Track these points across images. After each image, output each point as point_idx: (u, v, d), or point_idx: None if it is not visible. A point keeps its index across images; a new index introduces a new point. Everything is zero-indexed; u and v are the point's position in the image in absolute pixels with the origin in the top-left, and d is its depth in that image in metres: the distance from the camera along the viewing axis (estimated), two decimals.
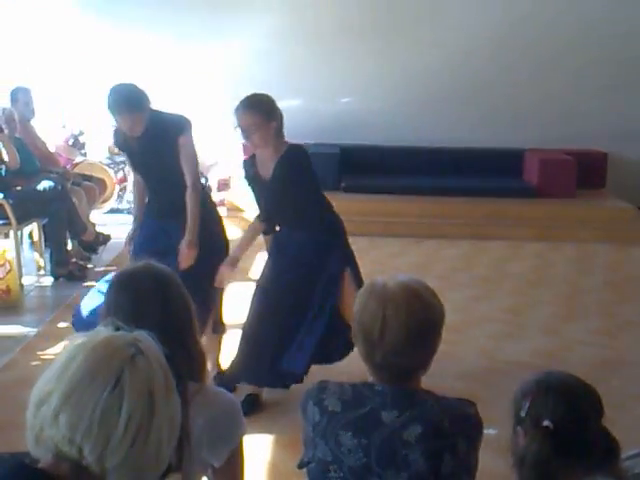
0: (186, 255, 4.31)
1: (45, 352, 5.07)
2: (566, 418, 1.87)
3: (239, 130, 4.13)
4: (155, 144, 4.32)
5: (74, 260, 6.95)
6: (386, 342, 2.00)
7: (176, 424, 1.41)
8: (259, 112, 4.09)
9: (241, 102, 4.14)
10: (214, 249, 4.40)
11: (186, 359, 1.99)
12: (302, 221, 4.33)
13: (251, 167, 4.34)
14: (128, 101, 4.22)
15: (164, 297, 2.05)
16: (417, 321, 2.01)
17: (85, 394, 1.33)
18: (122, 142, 4.51)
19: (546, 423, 1.85)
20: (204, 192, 4.65)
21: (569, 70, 9.47)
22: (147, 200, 4.68)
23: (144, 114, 4.27)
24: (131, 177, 9.58)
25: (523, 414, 1.93)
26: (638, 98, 9.43)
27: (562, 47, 9.33)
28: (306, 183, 4.25)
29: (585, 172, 9.28)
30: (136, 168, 4.63)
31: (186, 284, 2.17)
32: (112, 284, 2.09)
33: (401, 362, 2.02)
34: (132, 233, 4.68)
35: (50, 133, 8.37)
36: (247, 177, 4.43)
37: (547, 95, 9.49)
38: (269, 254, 4.51)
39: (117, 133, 4.52)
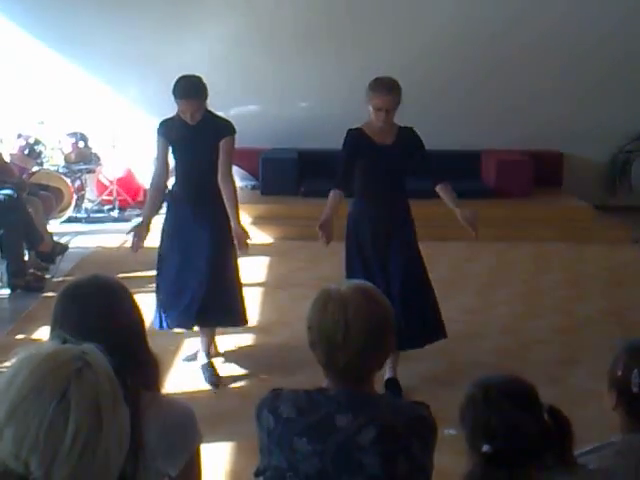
0: (242, 239, 4.86)
1: (2, 365, 4.98)
2: (505, 438, 1.87)
3: (375, 108, 4.50)
4: (206, 136, 4.81)
5: (31, 271, 6.86)
6: (350, 345, 2.01)
7: (125, 436, 1.40)
8: (398, 94, 4.53)
9: (381, 85, 4.50)
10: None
11: (138, 369, 1.98)
12: (395, 192, 4.79)
13: (361, 135, 4.65)
14: (197, 88, 4.76)
15: (111, 308, 2.04)
16: (377, 321, 2.04)
17: (31, 408, 1.31)
18: (173, 129, 4.86)
19: (485, 449, 1.86)
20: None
21: (524, 71, 9.58)
22: (177, 187, 5.05)
23: (205, 103, 4.80)
24: (89, 186, 9.52)
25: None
26: (591, 98, 9.58)
27: (517, 49, 9.45)
28: (423, 154, 4.79)
29: (541, 172, 9.38)
30: (181, 155, 4.96)
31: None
32: (59, 297, 2.08)
33: (364, 364, 2.05)
34: (137, 228, 4.95)
35: (5, 142, 8.27)
36: (353, 144, 4.70)
37: (502, 96, 9.59)
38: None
39: (167, 121, 4.93)
